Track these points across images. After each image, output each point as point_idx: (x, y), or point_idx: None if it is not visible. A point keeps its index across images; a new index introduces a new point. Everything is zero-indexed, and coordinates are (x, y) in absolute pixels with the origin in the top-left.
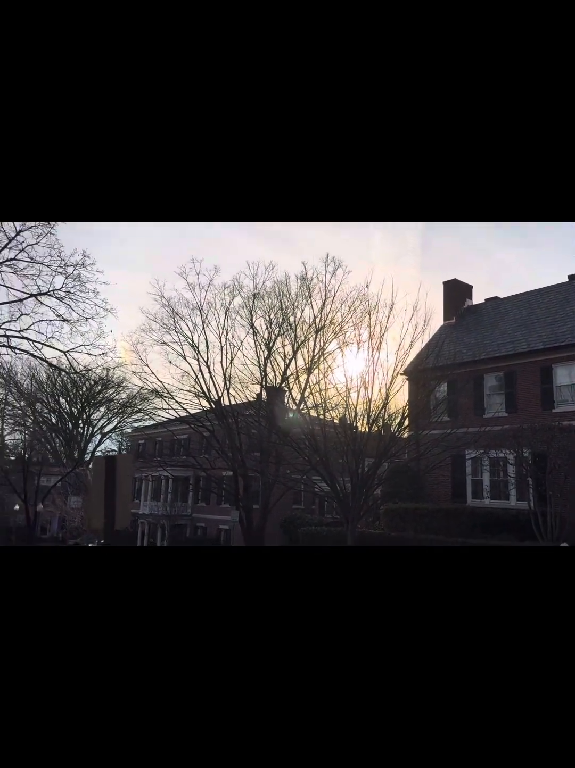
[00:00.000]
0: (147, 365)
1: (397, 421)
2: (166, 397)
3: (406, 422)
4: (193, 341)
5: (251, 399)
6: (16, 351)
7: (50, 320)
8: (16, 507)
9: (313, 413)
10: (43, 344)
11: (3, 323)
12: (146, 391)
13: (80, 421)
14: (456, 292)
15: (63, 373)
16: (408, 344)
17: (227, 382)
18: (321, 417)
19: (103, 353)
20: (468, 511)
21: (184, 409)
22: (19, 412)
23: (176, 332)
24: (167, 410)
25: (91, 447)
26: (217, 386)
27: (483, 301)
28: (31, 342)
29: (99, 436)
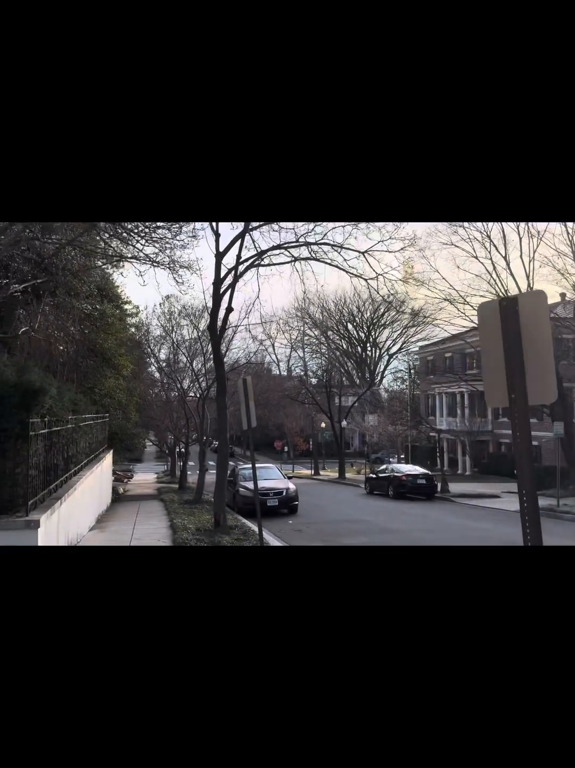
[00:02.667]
0: (437, 271)
1: None
2: (458, 304)
3: None
4: (486, 234)
5: (558, 299)
6: (319, 261)
7: (342, 225)
8: (323, 425)
9: None
10: (341, 246)
11: (301, 235)
12: (436, 300)
13: (368, 345)
14: None
15: (347, 299)
16: None
17: (530, 279)
18: None
19: (402, 249)
20: None
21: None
22: (315, 340)
23: (465, 228)
24: (460, 318)
25: (380, 367)
26: (518, 285)
27: None
28: (330, 246)
29: (386, 357)
